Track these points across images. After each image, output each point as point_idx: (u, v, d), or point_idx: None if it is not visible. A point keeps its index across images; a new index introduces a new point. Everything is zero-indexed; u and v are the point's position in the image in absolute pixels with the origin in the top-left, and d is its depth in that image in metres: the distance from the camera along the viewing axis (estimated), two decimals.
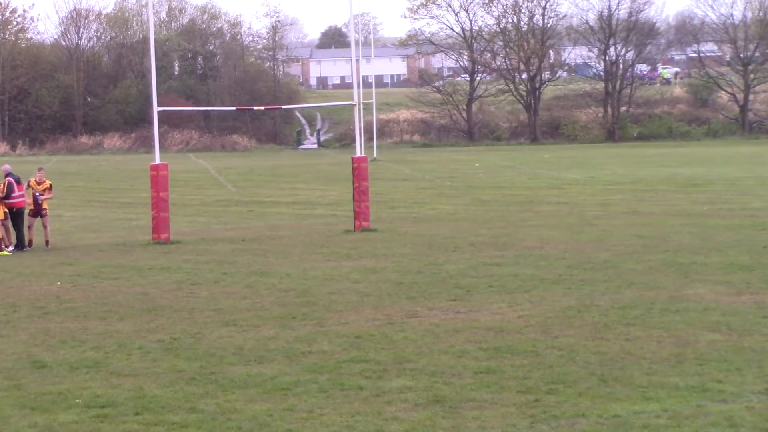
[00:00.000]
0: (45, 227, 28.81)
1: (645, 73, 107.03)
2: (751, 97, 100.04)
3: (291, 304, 18.56)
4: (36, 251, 27.95)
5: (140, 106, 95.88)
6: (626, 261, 22.89)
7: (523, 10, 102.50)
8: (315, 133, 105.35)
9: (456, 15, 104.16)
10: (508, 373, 13.20)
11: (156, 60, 31.34)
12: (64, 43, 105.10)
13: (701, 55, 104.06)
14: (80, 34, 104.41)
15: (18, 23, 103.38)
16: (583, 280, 20.45)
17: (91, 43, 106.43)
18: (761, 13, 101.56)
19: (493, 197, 42.46)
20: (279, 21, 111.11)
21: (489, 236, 28.51)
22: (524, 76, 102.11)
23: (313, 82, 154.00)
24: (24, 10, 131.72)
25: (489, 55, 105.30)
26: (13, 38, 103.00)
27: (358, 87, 38.50)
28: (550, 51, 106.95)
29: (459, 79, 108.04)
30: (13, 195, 27.99)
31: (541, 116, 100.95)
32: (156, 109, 29.83)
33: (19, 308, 18.69)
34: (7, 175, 28.30)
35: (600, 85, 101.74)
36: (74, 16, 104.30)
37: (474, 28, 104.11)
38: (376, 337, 15.46)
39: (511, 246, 26.15)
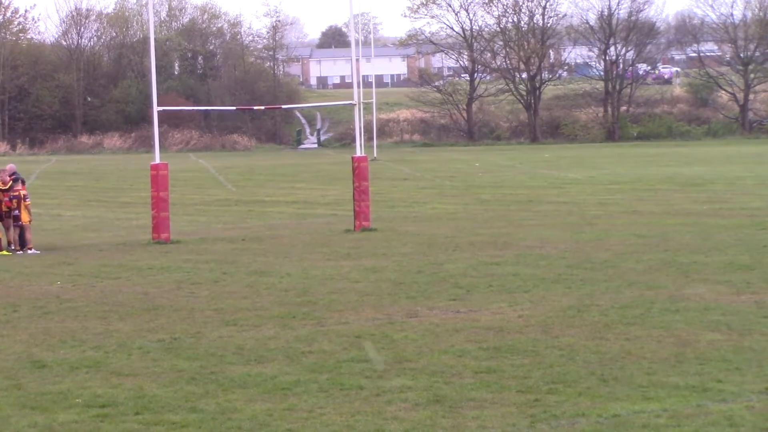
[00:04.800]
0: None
1: (646, 72, 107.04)
2: (751, 96, 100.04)
3: (291, 303, 18.56)
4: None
5: (140, 106, 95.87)
6: (626, 260, 22.88)
7: (523, 10, 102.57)
8: (315, 133, 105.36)
9: (456, 15, 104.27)
10: (508, 372, 13.20)
11: (156, 60, 31.33)
12: (64, 43, 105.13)
13: (701, 54, 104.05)
14: (81, 34, 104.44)
15: (19, 23, 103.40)
16: (583, 279, 20.44)
17: (92, 42, 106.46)
18: (761, 13, 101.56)
19: (493, 197, 42.47)
20: (279, 21, 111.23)
21: (489, 236, 28.50)
22: (524, 75, 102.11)
23: (313, 81, 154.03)
24: (26, 10, 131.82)
25: (489, 54, 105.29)
26: (14, 38, 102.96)
27: (358, 87, 38.52)
28: (550, 51, 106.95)
29: (459, 78, 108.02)
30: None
31: (541, 116, 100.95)
32: (156, 108, 29.82)
33: (19, 308, 18.68)
34: (12, 174, 28.33)
35: (600, 85, 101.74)
36: (75, 15, 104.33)
37: (474, 27, 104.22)
38: (376, 337, 15.46)
39: (511, 245, 26.14)
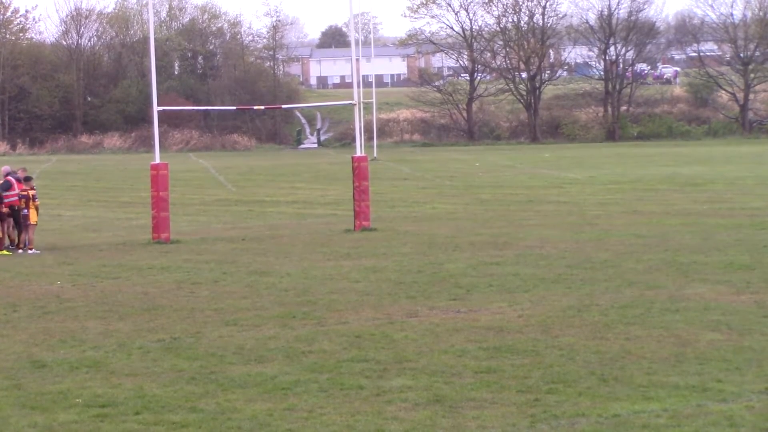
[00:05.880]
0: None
1: (645, 72, 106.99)
2: (751, 96, 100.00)
3: (291, 303, 18.57)
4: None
5: (140, 106, 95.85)
6: (626, 260, 22.89)
7: (523, 10, 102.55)
8: (315, 133, 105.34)
9: (456, 14, 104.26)
10: (508, 372, 13.21)
11: (156, 59, 31.33)
12: (64, 43, 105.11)
13: (701, 54, 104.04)
14: (81, 34, 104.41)
15: (20, 23, 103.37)
16: (583, 279, 20.45)
17: (92, 42, 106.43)
18: (761, 13, 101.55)
19: (493, 196, 42.47)
20: (279, 20, 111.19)
21: (489, 235, 28.51)
22: (524, 75, 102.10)
23: (313, 81, 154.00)
24: (26, 11, 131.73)
25: (489, 54, 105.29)
26: (14, 38, 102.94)
27: (358, 86, 38.51)
28: (550, 50, 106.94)
29: (459, 78, 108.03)
30: (12, 193, 27.88)
31: (541, 116, 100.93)
32: (156, 108, 29.82)
33: (19, 308, 18.69)
34: (7, 174, 28.31)
35: (600, 85, 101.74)
36: (75, 15, 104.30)
37: (474, 27, 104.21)
38: (376, 337, 15.47)
39: (511, 245, 26.15)
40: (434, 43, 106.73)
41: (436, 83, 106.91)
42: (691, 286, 19.44)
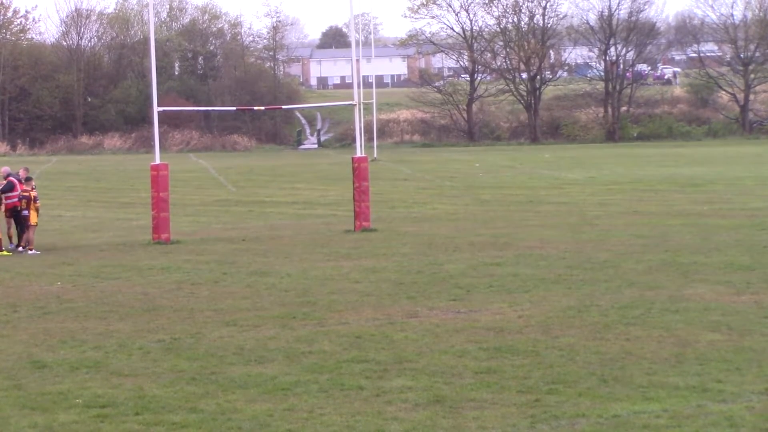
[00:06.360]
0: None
1: (645, 73, 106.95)
2: (751, 97, 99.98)
3: (291, 303, 18.57)
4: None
5: (140, 106, 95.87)
6: (626, 261, 22.89)
7: (523, 10, 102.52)
8: (315, 133, 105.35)
9: (456, 15, 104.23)
10: (508, 373, 13.21)
11: (156, 60, 31.33)
12: (64, 43, 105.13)
13: (701, 55, 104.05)
14: (81, 34, 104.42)
15: (20, 23, 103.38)
16: (583, 280, 20.45)
17: (92, 43, 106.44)
18: (761, 13, 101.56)
19: (493, 197, 42.46)
20: (279, 21, 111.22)
21: (489, 236, 28.51)
22: (524, 76, 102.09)
23: (314, 82, 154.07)
24: (27, 11, 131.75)
25: (489, 55, 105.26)
26: (14, 38, 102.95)
27: (359, 87, 38.52)
28: (551, 51, 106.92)
29: (459, 79, 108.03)
30: (13, 194, 27.89)
31: (541, 116, 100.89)
32: (156, 109, 29.83)
33: (19, 308, 18.69)
34: (8, 175, 28.33)
35: (600, 85, 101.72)
36: (75, 16, 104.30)
37: (474, 28, 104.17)
38: (376, 337, 15.47)
39: (511, 246, 26.15)
40: (434, 44, 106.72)
41: (437, 84, 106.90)
42: (691, 286, 19.45)
